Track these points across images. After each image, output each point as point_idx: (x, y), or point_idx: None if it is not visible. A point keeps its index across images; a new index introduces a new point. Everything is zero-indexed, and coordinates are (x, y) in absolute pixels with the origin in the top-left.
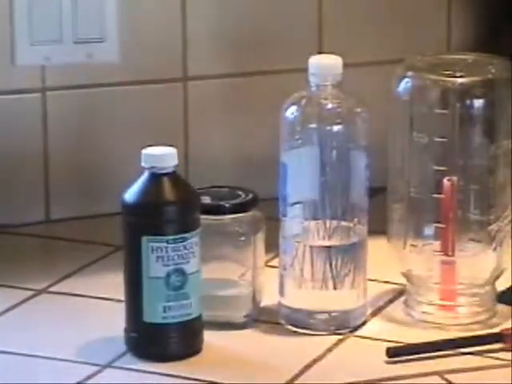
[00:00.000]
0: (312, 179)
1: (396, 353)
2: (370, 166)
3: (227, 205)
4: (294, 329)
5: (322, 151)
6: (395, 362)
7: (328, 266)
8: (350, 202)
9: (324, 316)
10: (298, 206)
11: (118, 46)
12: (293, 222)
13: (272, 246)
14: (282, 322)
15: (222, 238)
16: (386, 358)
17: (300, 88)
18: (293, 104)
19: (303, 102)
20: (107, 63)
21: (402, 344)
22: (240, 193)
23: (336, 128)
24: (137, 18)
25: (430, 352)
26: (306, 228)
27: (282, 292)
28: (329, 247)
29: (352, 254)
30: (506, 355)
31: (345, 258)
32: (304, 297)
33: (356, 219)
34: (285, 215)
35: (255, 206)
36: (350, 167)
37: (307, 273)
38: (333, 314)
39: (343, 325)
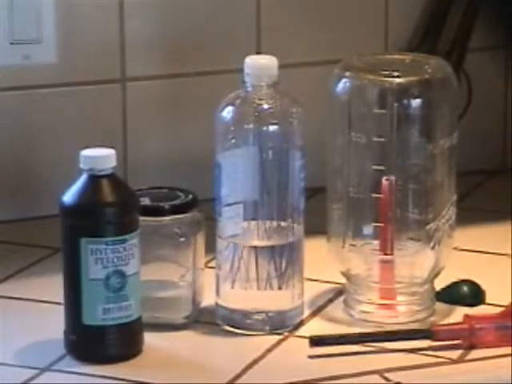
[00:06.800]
0: (247, 180)
1: (319, 342)
2: (308, 166)
3: (166, 206)
4: (231, 329)
5: (258, 152)
6: (334, 361)
7: (271, 265)
8: (287, 201)
9: (261, 316)
10: (234, 206)
11: (56, 47)
12: (228, 223)
13: (212, 247)
14: (219, 322)
15: (162, 239)
16: (326, 358)
17: (238, 88)
18: (228, 104)
19: (238, 102)
20: (44, 64)
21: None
22: (179, 194)
23: (271, 128)
24: (74, 18)
25: (354, 344)
26: (245, 228)
27: (218, 292)
28: (271, 247)
29: (289, 253)
30: (444, 353)
31: (283, 258)
32: (240, 297)
33: (293, 219)
34: (220, 215)
35: (195, 206)
36: (286, 167)
37: (244, 273)
38: (269, 314)
39: (279, 325)
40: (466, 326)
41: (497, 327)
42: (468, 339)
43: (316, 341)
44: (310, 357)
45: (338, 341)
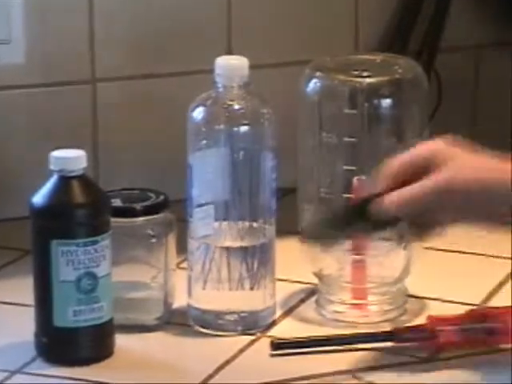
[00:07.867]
0: (219, 181)
1: (280, 346)
2: (279, 167)
3: (138, 207)
4: (203, 330)
5: (229, 152)
6: (307, 361)
7: (243, 266)
8: (258, 202)
9: (233, 317)
10: (205, 207)
11: (25, 47)
12: (200, 223)
13: (184, 248)
14: (191, 323)
15: (134, 240)
16: (299, 357)
17: (209, 89)
18: (199, 105)
19: (209, 102)
20: (13, 65)
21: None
22: (151, 195)
23: (242, 129)
24: (43, 19)
25: (315, 347)
26: (216, 229)
27: (189, 293)
28: (243, 248)
29: (261, 254)
30: (416, 352)
31: (255, 259)
32: (212, 298)
33: (264, 220)
34: (191, 216)
35: (166, 207)
36: (257, 168)
37: (216, 273)
38: (241, 314)
39: (252, 325)
40: (428, 327)
41: (461, 329)
42: (430, 341)
43: (277, 344)
44: (283, 357)
45: (298, 344)
